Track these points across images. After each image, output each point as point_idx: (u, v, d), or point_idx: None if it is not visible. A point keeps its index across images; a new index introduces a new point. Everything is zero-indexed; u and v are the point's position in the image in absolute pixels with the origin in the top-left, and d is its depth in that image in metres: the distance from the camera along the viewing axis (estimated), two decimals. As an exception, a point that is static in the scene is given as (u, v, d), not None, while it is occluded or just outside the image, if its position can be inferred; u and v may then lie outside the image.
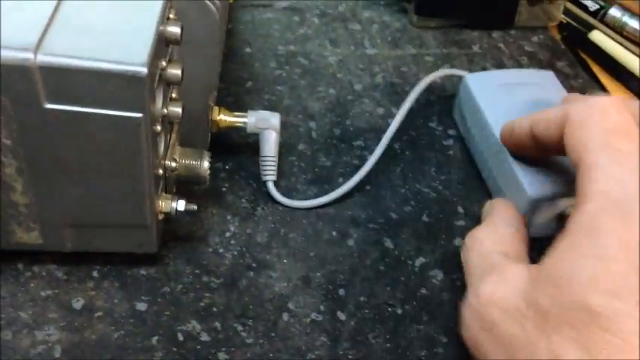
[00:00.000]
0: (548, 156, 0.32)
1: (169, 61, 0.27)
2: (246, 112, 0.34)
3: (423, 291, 0.31)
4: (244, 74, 0.42)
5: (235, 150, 0.37)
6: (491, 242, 0.28)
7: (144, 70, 0.22)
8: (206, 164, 0.30)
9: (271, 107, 0.40)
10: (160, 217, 0.28)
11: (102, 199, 0.26)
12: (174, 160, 0.29)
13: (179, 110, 0.28)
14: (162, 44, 0.25)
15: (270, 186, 0.34)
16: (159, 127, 0.25)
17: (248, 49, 0.44)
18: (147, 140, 0.24)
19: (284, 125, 0.39)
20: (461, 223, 0.34)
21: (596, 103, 0.26)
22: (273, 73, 0.42)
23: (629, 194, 0.23)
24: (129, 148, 0.24)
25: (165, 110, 0.27)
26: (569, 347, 0.21)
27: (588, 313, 0.21)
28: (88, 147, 0.24)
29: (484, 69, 0.45)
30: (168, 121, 0.28)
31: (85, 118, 0.23)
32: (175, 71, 0.27)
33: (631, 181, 0.23)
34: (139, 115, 0.23)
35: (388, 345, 0.29)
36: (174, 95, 0.29)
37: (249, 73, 0.42)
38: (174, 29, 0.25)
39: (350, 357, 0.28)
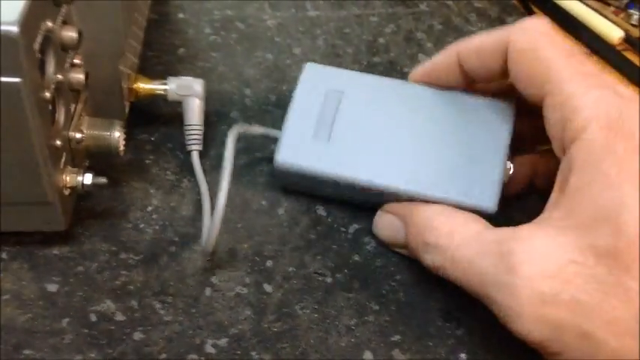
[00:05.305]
0: (474, 85, 0.30)
1: (64, 23, 0.25)
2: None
3: (356, 258, 0.30)
4: (176, 41, 0.40)
5: (163, 120, 0.35)
6: (469, 225, 0.25)
7: (14, 29, 0.20)
8: (117, 135, 0.28)
9: (204, 75, 0.37)
10: (66, 192, 0.26)
11: (-5, 174, 0.24)
12: (80, 131, 0.27)
13: (81, 77, 0.26)
14: (49, 3, 0.23)
15: (195, 156, 0.32)
16: (48, 94, 0.23)
17: (181, 15, 0.42)
18: (32, 108, 0.22)
19: (217, 93, 0.37)
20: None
21: (535, 27, 0.26)
22: (208, 39, 0.40)
23: (618, 111, 0.23)
24: (12, 116, 0.22)
25: (60, 76, 0.25)
26: None
27: None
28: (-30, 118, 0.22)
29: (431, 28, 0.43)
30: (70, 89, 0.26)
31: (-40, 85, 0.21)
32: (70, 34, 0.25)
33: (613, 98, 0.23)
34: (17, 79, 0.21)
35: (316, 315, 0.27)
36: (76, 61, 0.27)
37: (182, 40, 0.40)
38: (60, -14, 0.23)
39: (275, 329, 0.27)
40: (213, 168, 0.33)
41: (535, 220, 0.24)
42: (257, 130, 0.30)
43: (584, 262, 0.21)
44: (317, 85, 0.30)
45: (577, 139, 0.23)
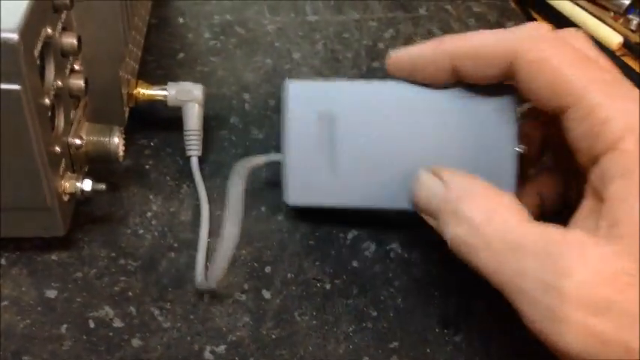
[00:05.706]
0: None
1: (64, 30, 0.25)
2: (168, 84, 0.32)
3: (354, 264, 0.30)
4: (176, 45, 0.40)
5: (162, 125, 0.35)
6: (511, 211, 0.23)
7: (15, 36, 0.20)
8: (116, 140, 0.28)
9: (203, 79, 0.38)
10: (65, 197, 0.26)
11: (-5, 180, 0.24)
12: (80, 137, 0.27)
13: (81, 83, 0.26)
14: (48, 10, 0.23)
15: (194, 162, 0.32)
16: (47, 101, 0.23)
17: (181, 19, 0.42)
18: (32, 114, 0.22)
19: (216, 98, 0.37)
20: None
21: (542, 33, 0.25)
22: (207, 44, 0.40)
23: None
24: (13, 123, 0.22)
25: (59, 83, 0.25)
26: None
27: None
28: (-30, 124, 0.22)
29: (430, 32, 0.43)
30: (70, 95, 0.26)
31: (-41, 92, 0.21)
32: (70, 40, 0.25)
33: (637, 107, 0.23)
34: (17, 87, 0.21)
35: (314, 322, 0.27)
36: (76, 67, 0.27)
37: (182, 45, 0.40)
38: (60, -7, 0.23)
39: (274, 336, 0.27)
40: (212, 173, 0.33)
41: (577, 226, 0.23)
42: (260, 160, 0.30)
43: (635, 273, 0.20)
44: (307, 107, 0.28)
45: (612, 150, 0.23)
